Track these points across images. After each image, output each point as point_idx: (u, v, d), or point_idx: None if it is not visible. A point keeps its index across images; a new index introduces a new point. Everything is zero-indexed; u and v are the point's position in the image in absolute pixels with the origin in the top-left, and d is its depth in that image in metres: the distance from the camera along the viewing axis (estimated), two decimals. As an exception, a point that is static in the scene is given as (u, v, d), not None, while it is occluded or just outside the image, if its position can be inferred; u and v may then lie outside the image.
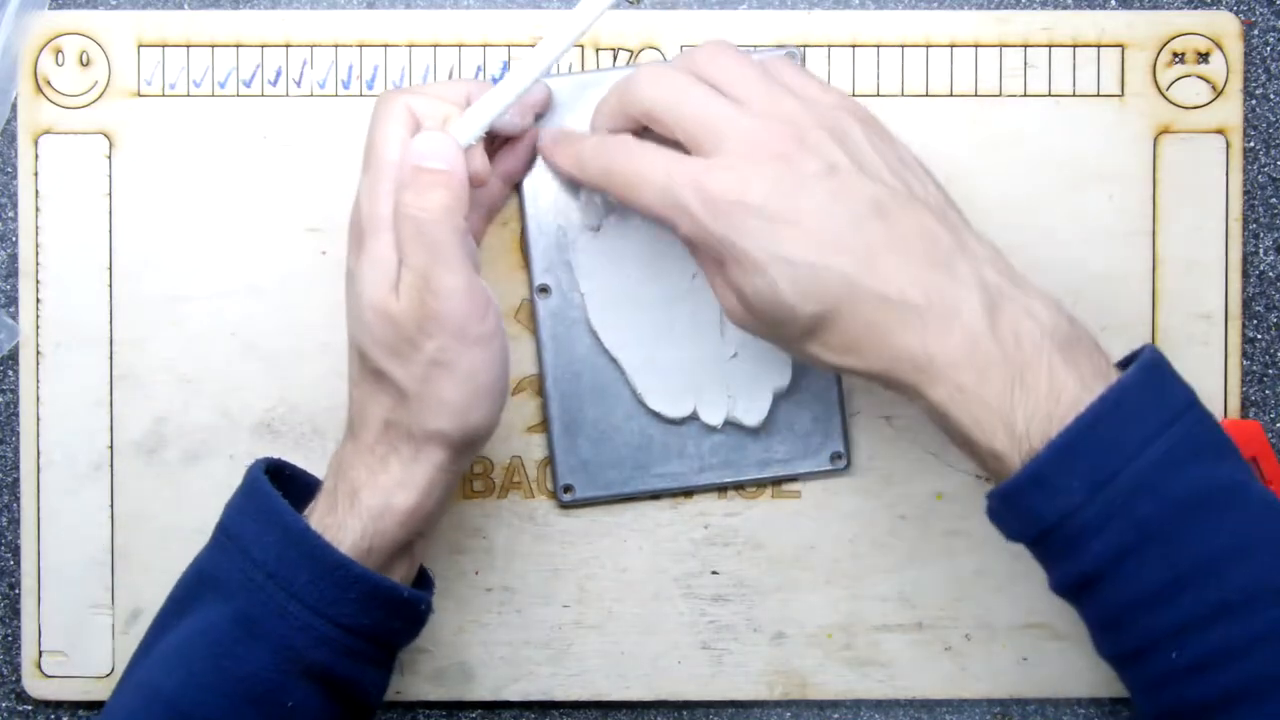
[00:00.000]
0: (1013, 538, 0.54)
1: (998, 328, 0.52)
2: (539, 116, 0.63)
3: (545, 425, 0.66)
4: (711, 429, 0.65)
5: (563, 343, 0.65)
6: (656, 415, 0.65)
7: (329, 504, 0.56)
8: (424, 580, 0.60)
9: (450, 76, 0.66)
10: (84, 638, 0.66)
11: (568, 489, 0.66)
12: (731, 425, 0.65)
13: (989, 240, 0.56)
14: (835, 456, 0.66)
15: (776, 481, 0.66)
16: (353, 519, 0.56)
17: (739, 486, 0.66)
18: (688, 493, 0.66)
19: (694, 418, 0.65)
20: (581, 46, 0.66)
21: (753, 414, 0.65)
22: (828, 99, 0.57)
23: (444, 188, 0.56)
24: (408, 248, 0.55)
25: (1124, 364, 0.54)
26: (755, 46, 0.66)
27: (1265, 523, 0.52)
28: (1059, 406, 0.51)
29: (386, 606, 0.56)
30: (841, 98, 0.58)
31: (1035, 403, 0.51)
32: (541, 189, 0.64)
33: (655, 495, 0.66)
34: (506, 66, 0.66)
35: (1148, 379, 0.52)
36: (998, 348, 0.52)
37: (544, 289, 0.65)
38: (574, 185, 0.64)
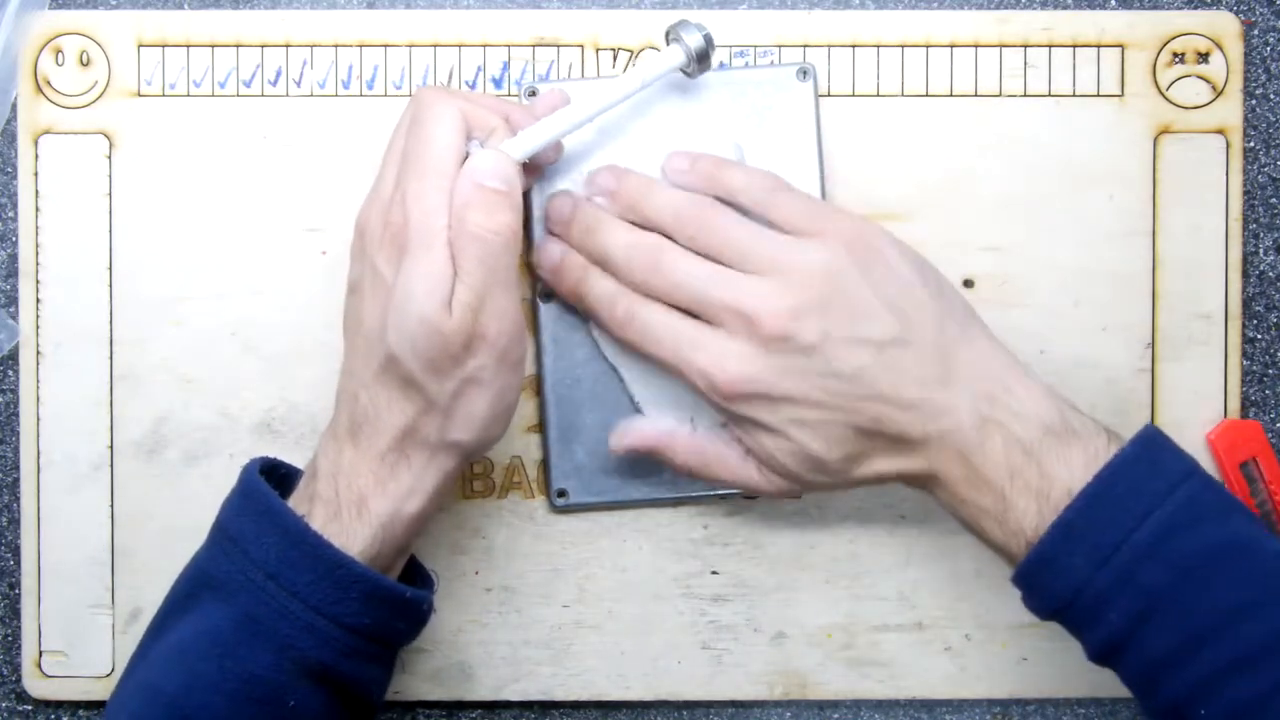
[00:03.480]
0: (1039, 615, 0.57)
1: (987, 444, 0.56)
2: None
3: (542, 428, 0.65)
4: None
5: (564, 347, 0.64)
6: None
7: (329, 511, 0.55)
8: (424, 579, 0.60)
9: (450, 76, 0.66)
10: (84, 638, 0.66)
11: (561, 493, 0.65)
12: None
13: (986, 333, 0.59)
14: None
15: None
16: (361, 527, 0.55)
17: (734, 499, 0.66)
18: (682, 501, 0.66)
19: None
20: (581, 46, 0.66)
21: None
22: (823, 231, 0.58)
23: (510, 210, 0.56)
24: (470, 267, 0.55)
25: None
26: (755, 46, 0.66)
27: (1275, 575, 0.53)
28: (1051, 500, 0.54)
29: (388, 606, 0.56)
30: (837, 224, 0.59)
31: (1028, 501, 0.55)
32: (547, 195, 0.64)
33: (650, 504, 0.66)
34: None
35: (1141, 454, 0.55)
36: (987, 461, 0.56)
37: (548, 294, 0.64)
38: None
